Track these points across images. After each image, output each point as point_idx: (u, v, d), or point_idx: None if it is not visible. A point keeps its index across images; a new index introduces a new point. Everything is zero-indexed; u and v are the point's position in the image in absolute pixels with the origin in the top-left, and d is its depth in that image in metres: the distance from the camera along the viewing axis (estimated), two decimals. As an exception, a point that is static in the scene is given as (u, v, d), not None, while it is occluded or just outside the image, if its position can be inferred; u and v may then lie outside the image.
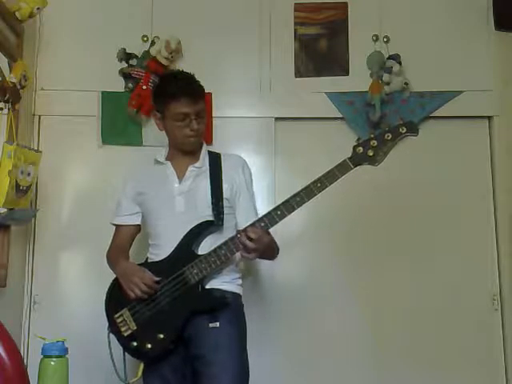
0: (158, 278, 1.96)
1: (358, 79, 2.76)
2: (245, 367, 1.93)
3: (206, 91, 2.15)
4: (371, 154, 1.90)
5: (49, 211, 2.65)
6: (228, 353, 1.90)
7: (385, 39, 2.78)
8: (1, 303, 2.33)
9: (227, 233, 2.00)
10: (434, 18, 2.83)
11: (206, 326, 1.92)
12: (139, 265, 2.06)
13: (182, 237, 1.98)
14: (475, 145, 2.80)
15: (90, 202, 2.68)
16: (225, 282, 2.02)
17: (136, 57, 2.72)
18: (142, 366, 1.97)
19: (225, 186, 2.06)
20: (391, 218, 2.72)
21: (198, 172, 2.09)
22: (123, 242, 2.17)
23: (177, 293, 1.94)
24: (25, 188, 2.27)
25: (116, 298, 2.03)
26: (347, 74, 2.80)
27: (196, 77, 2.12)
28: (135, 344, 1.96)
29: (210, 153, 2.16)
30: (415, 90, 2.75)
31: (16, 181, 2.19)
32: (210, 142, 2.61)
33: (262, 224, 1.90)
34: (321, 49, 2.82)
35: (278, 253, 2.09)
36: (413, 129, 1.93)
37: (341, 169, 1.90)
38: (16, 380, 1.24)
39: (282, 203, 1.90)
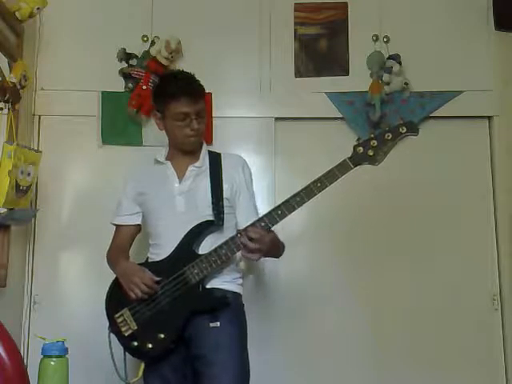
0: (158, 278, 1.96)
1: (358, 79, 2.76)
2: (245, 367, 1.93)
3: (206, 91, 2.15)
4: (371, 153, 1.90)
5: (49, 211, 2.65)
6: (228, 353, 1.90)
7: (385, 39, 2.78)
8: (1, 303, 2.33)
9: (227, 232, 2.00)
10: (434, 18, 2.83)
11: (207, 326, 1.92)
12: (139, 265, 2.06)
13: (182, 236, 1.98)
14: (475, 145, 2.80)
15: (90, 202, 2.68)
16: (225, 282, 2.02)
17: (136, 57, 2.72)
18: (142, 365, 1.97)
19: (225, 186, 2.06)
20: (391, 218, 2.72)
21: (198, 172, 2.09)
22: (123, 241, 2.17)
23: (177, 292, 1.94)
24: (25, 188, 2.28)
25: (116, 298, 2.03)
26: (347, 74, 2.80)
27: (196, 77, 2.12)
28: (136, 344, 1.96)
29: (210, 152, 2.16)
30: (415, 90, 2.75)
31: (16, 181, 2.19)
32: (210, 141, 2.61)
33: (263, 224, 1.90)
34: (321, 49, 2.82)
35: (283, 250, 2.07)
36: (413, 128, 1.93)
37: (341, 169, 1.90)
38: (16, 380, 1.24)
39: (283, 203, 1.90)
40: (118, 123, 2.71)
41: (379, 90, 2.69)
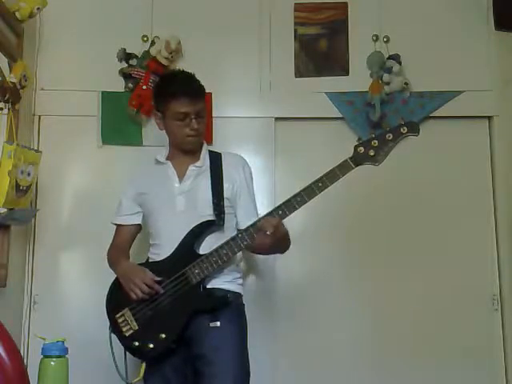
0: (159, 278, 1.96)
1: (358, 79, 2.76)
2: (245, 367, 1.93)
3: (206, 91, 2.15)
4: (372, 153, 1.90)
5: (49, 211, 2.65)
6: (229, 352, 1.90)
7: (385, 39, 2.78)
8: (1, 303, 2.33)
9: (228, 232, 2.01)
10: (434, 18, 2.83)
11: (207, 326, 1.92)
12: (140, 265, 2.06)
13: (182, 236, 1.98)
14: (475, 145, 2.80)
15: (90, 201, 2.68)
16: (226, 282, 2.02)
17: (136, 57, 2.72)
18: (143, 365, 1.96)
19: (225, 186, 2.06)
20: (391, 218, 2.72)
21: (199, 171, 2.09)
22: (124, 241, 2.17)
23: (178, 292, 1.94)
24: (25, 188, 2.27)
25: (117, 298, 2.03)
26: (347, 74, 2.80)
27: (196, 77, 2.12)
28: (137, 344, 1.96)
29: (211, 152, 2.16)
30: (415, 90, 2.75)
31: (16, 181, 2.19)
32: (210, 141, 2.60)
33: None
34: (321, 49, 2.82)
35: (289, 246, 2.03)
36: (414, 129, 1.93)
37: (342, 169, 1.90)
38: (16, 380, 1.24)
39: (284, 203, 1.90)
40: (118, 123, 2.71)
41: (379, 90, 2.69)
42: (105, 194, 2.60)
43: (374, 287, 2.67)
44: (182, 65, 2.61)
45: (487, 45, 2.82)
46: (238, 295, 2.06)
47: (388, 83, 2.70)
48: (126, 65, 2.73)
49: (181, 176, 2.09)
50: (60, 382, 1.42)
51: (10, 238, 2.38)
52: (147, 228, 2.16)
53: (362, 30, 2.80)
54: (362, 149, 1.91)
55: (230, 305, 1.97)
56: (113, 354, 1.99)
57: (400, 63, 2.71)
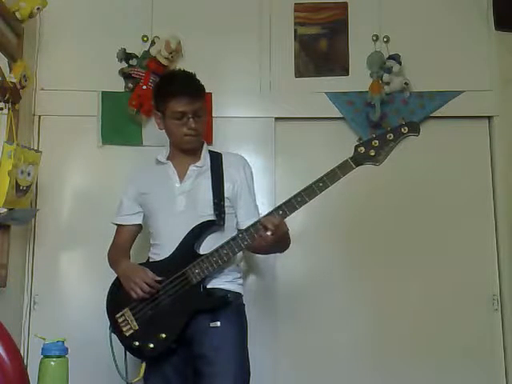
0: (159, 278, 1.96)
1: (358, 79, 2.76)
2: (245, 366, 1.94)
3: (206, 91, 2.16)
4: (373, 153, 1.90)
5: (49, 211, 2.65)
6: (229, 352, 1.90)
7: (385, 39, 2.78)
8: (1, 303, 2.33)
9: (228, 232, 2.01)
10: (434, 18, 2.83)
11: (207, 326, 1.92)
12: (141, 264, 2.06)
13: (183, 236, 1.98)
14: (475, 145, 2.80)
15: (90, 201, 2.68)
16: (226, 282, 2.02)
17: (136, 57, 2.72)
18: (143, 365, 1.96)
19: (226, 186, 2.06)
20: (391, 218, 2.72)
21: (200, 171, 2.09)
22: (124, 241, 2.17)
23: (178, 292, 1.94)
24: (25, 188, 2.27)
25: (117, 298, 2.03)
26: (347, 73, 2.80)
27: (196, 76, 2.12)
28: (137, 344, 1.96)
29: (211, 152, 2.16)
30: (415, 90, 2.75)
31: (16, 181, 2.19)
32: (210, 141, 2.60)
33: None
34: (321, 49, 2.82)
35: (289, 244, 2.04)
36: (415, 129, 1.92)
37: (342, 169, 1.90)
38: (16, 380, 1.24)
39: (284, 203, 1.90)
40: (118, 123, 2.71)
41: (379, 90, 2.69)
42: (105, 193, 2.61)
43: (374, 287, 2.67)
44: (181, 65, 2.61)
45: (487, 45, 2.82)
46: (239, 295, 2.06)
47: (388, 83, 2.70)
48: (126, 65, 2.73)
49: (181, 176, 2.09)
50: (60, 382, 1.42)
51: (9, 238, 2.38)
52: (148, 228, 2.16)
53: (362, 30, 2.80)
54: (362, 149, 1.91)
55: (230, 305, 1.97)
56: (113, 353, 1.99)
57: (400, 63, 2.71)
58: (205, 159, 2.11)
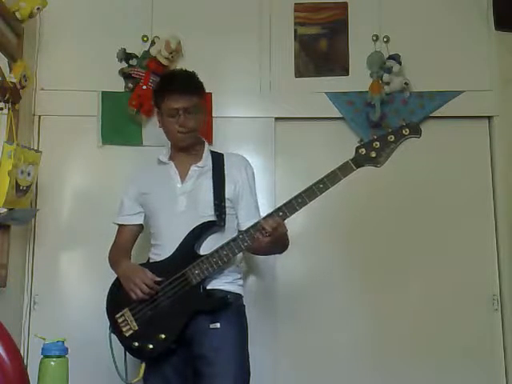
0: (159, 279, 1.96)
1: (358, 79, 2.76)
2: (245, 367, 1.94)
3: (206, 91, 2.16)
4: (374, 155, 1.90)
5: (49, 211, 2.65)
6: (229, 353, 1.90)
7: (385, 39, 2.78)
8: (1, 303, 2.33)
9: (229, 233, 2.01)
10: (434, 18, 2.83)
11: (207, 327, 1.92)
12: (141, 265, 2.06)
13: (183, 237, 1.98)
14: (475, 145, 2.80)
15: (90, 201, 2.68)
16: (226, 283, 2.02)
17: (136, 57, 2.72)
18: (143, 366, 1.96)
19: (228, 186, 2.06)
20: (391, 218, 2.72)
21: (201, 172, 2.09)
22: (125, 241, 2.17)
23: (178, 293, 1.94)
24: (25, 188, 2.27)
25: (117, 298, 2.03)
26: (347, 73, 2.79)
27: (197, 75, 2.12)
28: (137, 344, 1.96)
29: (213, 152, 2.16)
30: (415, 90, 2.75)
31: (16, 181, 2.19)
32: (210, 141, 2.60)
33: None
34: (321, 49, 2.82)
35: (288, 245, 2.04)
36: (416, 130, 1.92)
37: (343, 170, 1.90)
38: (16, 380, 1.23)
39: (284, 204, 1.90)
40: (118, 123, 2.71)
41: (379, 90, 2.69)
42: (105, 193, 2.61)
43: (374, 287, 2.67)
44: (182, 65, 2.60)
45: (487, 45, 2.82)
46: (239, 296, 2.06)
47: (388, 83, 2.70)
48: (126, 65, 2.73)
49: (183, 176, 2.09)
50: (60, 382, 1.42)
51: (9, 238, 2.38)
52: (148, 228, 2.16)
53: (362, 30, 2.80)
54: (363, 150, 1.91)
55: (230, 306, 1.97)
56: (113, 354, 1.99)
57: (400, 63, 2.71)
58: (206, 159, 2.11)
